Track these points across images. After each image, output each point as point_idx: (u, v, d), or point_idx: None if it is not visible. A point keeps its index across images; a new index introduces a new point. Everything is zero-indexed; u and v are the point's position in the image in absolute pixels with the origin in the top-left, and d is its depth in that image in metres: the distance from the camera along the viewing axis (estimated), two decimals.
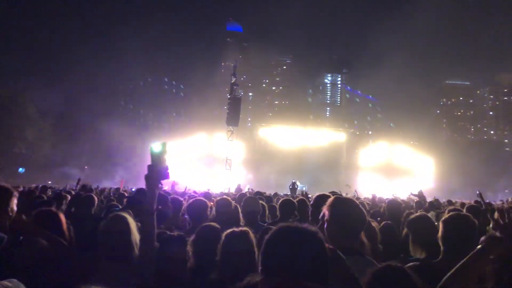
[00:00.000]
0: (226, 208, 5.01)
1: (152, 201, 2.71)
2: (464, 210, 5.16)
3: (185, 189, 14.16)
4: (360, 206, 2.82)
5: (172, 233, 3.37)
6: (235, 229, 3.20)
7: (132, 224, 3.28)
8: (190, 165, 36.10)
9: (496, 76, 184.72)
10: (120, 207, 5.52)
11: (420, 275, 2.30)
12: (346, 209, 2.69)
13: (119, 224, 3.24)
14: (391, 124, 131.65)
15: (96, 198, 7.02)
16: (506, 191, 53.77)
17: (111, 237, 3.19)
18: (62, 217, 3.84)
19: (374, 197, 13.23)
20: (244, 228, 3.17)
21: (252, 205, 5.37)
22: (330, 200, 2.81)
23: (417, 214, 4.03)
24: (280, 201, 6.05)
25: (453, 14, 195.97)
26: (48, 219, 3.71)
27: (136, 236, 3.19)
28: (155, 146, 2.67)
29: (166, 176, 2.66)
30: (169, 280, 3.01)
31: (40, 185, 13.18)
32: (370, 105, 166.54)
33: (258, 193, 9.99)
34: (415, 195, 13.35)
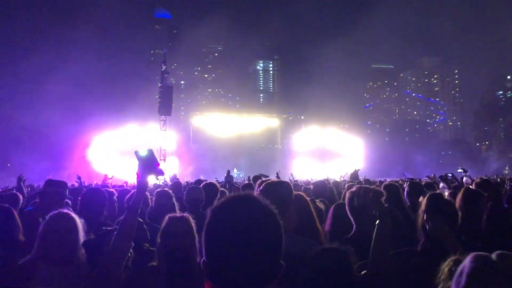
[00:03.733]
0: (166, 201, 4.89)
1: (139, 199, 2.59)
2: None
3: (106, 179, 13.72)
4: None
5: (108, 228, 3.13)
6: (176, 214, 3.17)
7: (79, 222, 2.97)
8: (123, 157, 34.94)
9: (417, 59, 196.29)
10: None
11: None
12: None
13: (65, 222, 2.90)
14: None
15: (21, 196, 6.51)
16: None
17: (55, 238, 2.82)
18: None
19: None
20: (185, 214, 3.14)
21: (195, 193, 5.34)
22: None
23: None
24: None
25: (376, 1, 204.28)
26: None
27: (82, 236, 2.94)
28: (142, 151, 2.66)
29: (160, 172, 2.65)
30: (105, 276, 2.76)
31: None
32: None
33: (198, 181, 9.72)
34: (349, 177, 13.71)
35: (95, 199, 4.42)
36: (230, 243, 1.21)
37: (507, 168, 49.99)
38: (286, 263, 1.29)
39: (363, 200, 3.08)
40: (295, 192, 3.09)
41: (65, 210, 3.03)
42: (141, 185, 2.64)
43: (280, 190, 2.76)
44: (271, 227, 1.27)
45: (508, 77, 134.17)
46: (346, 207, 3.32)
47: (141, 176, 2.63)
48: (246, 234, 1.21)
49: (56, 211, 2.99)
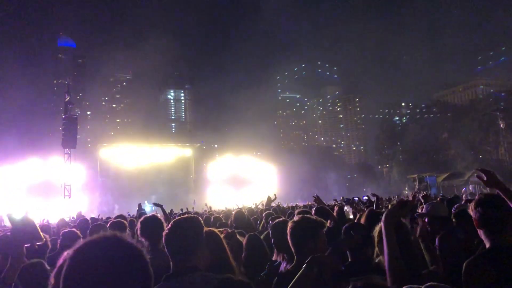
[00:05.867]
0: (72, 243, 4.37)
1: (14, 271, 2.22)
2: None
3: None
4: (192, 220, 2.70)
5: None
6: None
7: None
8: (22, 194, 32.15)
9: (322, 88, 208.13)
10: None
11: None
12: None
13: None
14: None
15: None
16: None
17: None
18: None
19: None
20: None
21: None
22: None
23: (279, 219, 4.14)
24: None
25: (282, 32, 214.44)
26: None
27: None
28: (16, 215, 2.38)
29: (39, 238, 2.36)
30: None
31: None
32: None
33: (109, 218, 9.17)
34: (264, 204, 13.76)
35: None
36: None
37: (406, 188, 53.95)
38: None
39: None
40: (206, 229, 2.93)
41: None
42: (16, 255, 2.27)
43: (189, 227, 2.59)
44: (134, 267, 1.21)
45: (403, 104, 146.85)
46: (288, 237, 3.13)
47: (15, 245, 2.29)
48: (105, 276, 1.15)
49: None
